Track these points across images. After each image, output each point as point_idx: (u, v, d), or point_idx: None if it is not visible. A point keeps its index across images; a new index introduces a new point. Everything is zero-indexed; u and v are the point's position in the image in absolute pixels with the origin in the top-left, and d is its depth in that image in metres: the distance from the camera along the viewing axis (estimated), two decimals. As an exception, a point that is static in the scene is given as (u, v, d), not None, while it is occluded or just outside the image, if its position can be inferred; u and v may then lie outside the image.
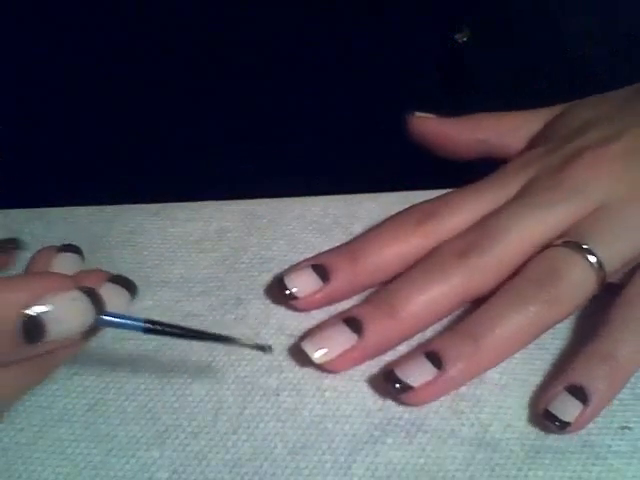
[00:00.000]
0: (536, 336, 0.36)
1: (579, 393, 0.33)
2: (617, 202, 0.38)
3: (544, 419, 0.34)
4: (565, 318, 0.37)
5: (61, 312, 0.25)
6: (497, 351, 0.36)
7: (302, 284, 0.38)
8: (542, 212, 0.38)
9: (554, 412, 0.33)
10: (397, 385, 0.34)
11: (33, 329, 0.25)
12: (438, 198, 0.40)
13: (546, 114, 0.45)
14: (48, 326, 0.25)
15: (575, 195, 0.39)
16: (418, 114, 0.45)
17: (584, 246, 0.37)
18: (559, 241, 0.37)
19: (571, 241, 0.37)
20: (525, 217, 0.38)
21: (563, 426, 0.33)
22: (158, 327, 0.30)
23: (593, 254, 0.36)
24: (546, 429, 0.34)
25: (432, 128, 0.45)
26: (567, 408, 0.33)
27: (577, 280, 0.36)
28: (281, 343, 0.37)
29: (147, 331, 0.30)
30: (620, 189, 0.39)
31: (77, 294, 0.26)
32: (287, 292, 0.38)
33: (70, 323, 0.26)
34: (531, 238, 0.38)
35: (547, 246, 0.38)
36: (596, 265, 0.36)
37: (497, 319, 0.36)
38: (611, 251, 0.37)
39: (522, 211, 0.38)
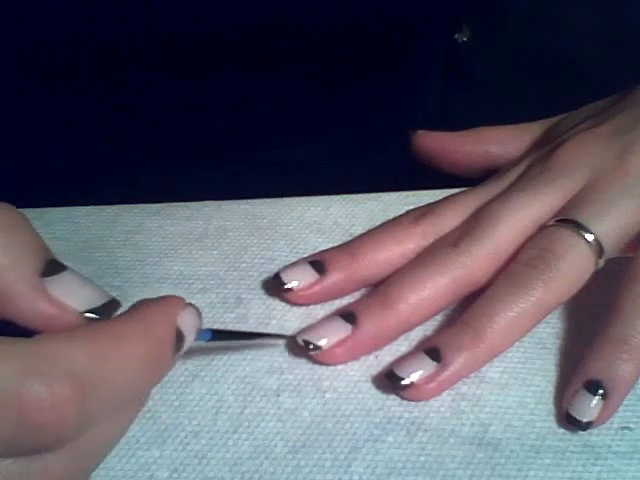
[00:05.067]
0: (538, 320, 0.36)
1: (597, 388, 0.33)
2: (605, 175, 0.38)
3: (567, 423, 0.34)
4: (567, 298, 0.37)
5: (189, 325, 0.27)
6: (499, 340, 0.35)
7: (298, 277, 0.38)
8: (530, 195, 0.38)
9: (574, 415, 0.33)
10: (398, 382, 0.34)
11: (179, 340, 0.27)
12: (435, 201, 0.41)
13: (545, 124, 0.45)
14: (185, 337, 0.27)
15: (562, 176, 0.39)
16: (420, 132, 0.46)
17: (576, 221, 0.37)
18: (552, 221, 0.38)
19: (563, 219, 0.37)
20: (514, 201, 0.38)
21: (587, 426, 0.33)
22: (220, 335, 0.33)
23: (586, 229, 0.36)
24: (572, 429, 0.34)
25: (436, 143, 0.46)
26: (587, 407, 0.33)
27: (573, 257, 0.36)
28: (281, 344, 0.37)
29: (212, 339, 0.31)
30: (606, 163, 0.39)
31: (193, 310, 0.27)
32: (283, 286, 0.38)
33: (192, 335, 0.27)
34: (522, 221, 0.38)
35: (541, 228, 0.38)
36: (591, 239, 0.36)
37: (496, 307, 0.35)
38: (604, 223, 0.37)
39: (511, 197, 0.39)
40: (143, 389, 0.27)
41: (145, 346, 0.25)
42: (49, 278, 0.25)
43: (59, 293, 0.25)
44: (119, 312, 0.27)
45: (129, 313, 0.26)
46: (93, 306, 0.25)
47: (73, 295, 0.25)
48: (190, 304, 0.27)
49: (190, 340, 0.27)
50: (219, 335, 0.32)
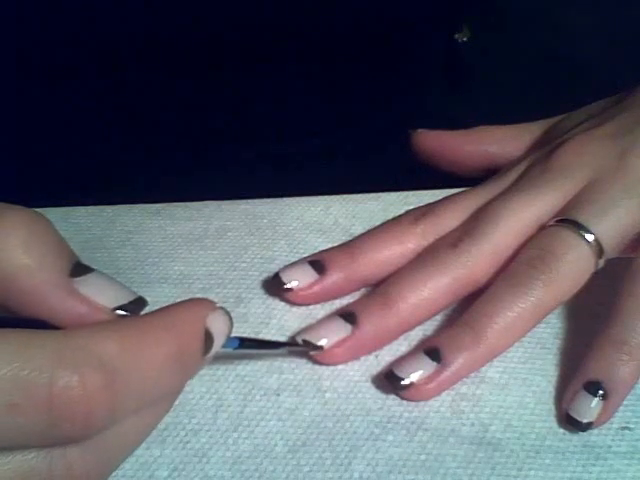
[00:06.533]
0: (538, 320, 0.36)
1: (597, 389, 0.33)
2: (605, 175, 0.38)
3: (567, 423, 0.34)
4: (567, 298, 0.37)
5: (218, 327, 0.27)
6: (499, 340, 0.35)
7: (298, 277, 0.38)
8: (531, 195, 0.38)
9: (574, 415, 0.33)
10: (398, 382, 0.34)
11: (208, 342, 0.26)
12: (435, 201, 0.41)
13: (545, 124, 0.45)
14: (215, 340, 0.26)
15: (562, 176, 0.39)
16: (420, 130, 0.45)
17: (576, 221, 0.37)
18: (552, 221, 0.38)
19: (563, 219, 0.37)
20: (514, 201, 0.38)
21: (587, 426, 0.33)
22: (248, 343, 0.33)
23: (586, 229, 0.36)
24: (572, 430, 0.34)
25: (436, 142, 0.46)
26: (587, 408, 0.33)
27: (573, 257, 0.36)
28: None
29: (239, 348, 0.31)
30: (607, 163, 0.39)
31: (223, 312, 0.27)
32: (283, 285, 0.38)
33: (221, 339, 0.27)
34: (522, 221, 0.38)
35: (541, 228, 0.38)
36: (591, 239, 0.36)
37: (496, 307, 0.35)
38: (604, 223, 0.37)
39: (511, 197, 0.39)
40: (171, 386, 0.26)
41: (173, 341, 0.25)
42: (77, 279, 0.25)
43: (89, 292, 0.25)
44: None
45: (158, 311, 0.26)
46: (122, 303, 0.26)
47: (102, 293, 0.25)
48: (221, 307, 0.27)
49: (219, 344, 0.27)
50: (246, 343, 0.32)
